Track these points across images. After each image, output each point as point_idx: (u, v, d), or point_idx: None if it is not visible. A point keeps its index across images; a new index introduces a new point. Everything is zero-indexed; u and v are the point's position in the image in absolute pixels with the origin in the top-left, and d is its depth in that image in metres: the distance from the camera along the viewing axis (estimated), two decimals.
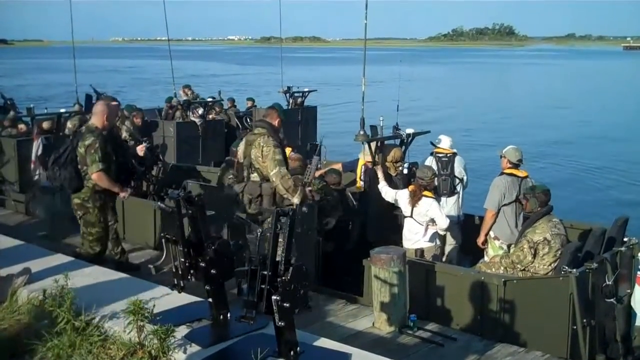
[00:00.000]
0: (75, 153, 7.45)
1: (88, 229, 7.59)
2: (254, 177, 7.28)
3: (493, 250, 8.68)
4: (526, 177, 8.69)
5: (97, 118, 7.56)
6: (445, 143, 9.91)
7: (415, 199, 8.53)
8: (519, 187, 8.55)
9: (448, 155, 9.77)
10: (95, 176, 7.37)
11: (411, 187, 8.70)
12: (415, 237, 8.61)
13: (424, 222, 8.57)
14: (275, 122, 7.49)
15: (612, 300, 6.92)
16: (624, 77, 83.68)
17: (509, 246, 8.54)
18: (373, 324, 6.81)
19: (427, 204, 8.53)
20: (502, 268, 7.82)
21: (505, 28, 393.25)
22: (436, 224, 8.59)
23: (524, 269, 7.67)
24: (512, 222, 8.57)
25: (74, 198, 7.62)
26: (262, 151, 7.16)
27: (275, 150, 7.12)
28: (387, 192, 8.94)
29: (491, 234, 8.71)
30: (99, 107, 7.72)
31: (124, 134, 12.66)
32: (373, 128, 9.30)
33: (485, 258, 8.74)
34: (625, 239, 7.70)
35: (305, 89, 19.44)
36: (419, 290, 7.30)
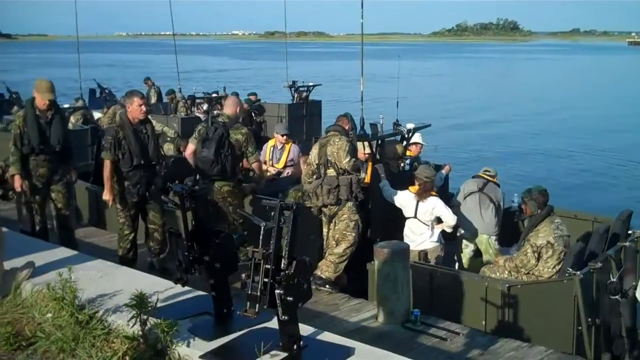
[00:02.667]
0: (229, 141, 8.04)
1: (237, 213, 8.12)
2: (330, 172, 8.00)
3: (463, 257, 8.94)
4: (494, 182, 8.94)
5: (232, 109, 8.40)
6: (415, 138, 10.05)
7: (424, 196, 8.48)
8: (483, 185, 8.88)
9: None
10: (257, 165, 8.54)
11: (416, 188, 8.61)
12: (419, 238, 8.52)
13: (428, 222, 8.53)
14: (346, 126, 8.34)
15: (617, 297, 6.91)
16: (629, 71, 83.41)
17: (493, 245, 8.73)
18: (376, 318, 6.82)
19: (432, 202, 8.48)
20: (506, 272, 7.81)
21: (510, 23, 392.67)
22: (442, 222, 8.59)
23: (527, 273, 7.66)
24: (475, 213, 8.73)
25: (223, 186, 8.11)
26: (337, 146, 7.98)
27: (347, 144, 8.01)
28: (387, 191, 8.86)
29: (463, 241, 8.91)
30: (234, 99, 8.77)
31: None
32: (373, 126, 9.27)
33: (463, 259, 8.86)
34: (629, 232, 7.69)
35: (310, 83, 19.44)
36: (422, 294, 7.29)
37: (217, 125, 8.09)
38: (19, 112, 8.39)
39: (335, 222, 8.03)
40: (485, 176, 8.95)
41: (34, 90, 8.13)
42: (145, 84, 22.27)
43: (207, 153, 7.95)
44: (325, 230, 8.19)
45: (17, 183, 8.14)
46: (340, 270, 7.97)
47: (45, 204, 8.53)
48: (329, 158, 7.99)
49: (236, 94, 20.28)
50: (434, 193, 8.59)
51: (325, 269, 7.91)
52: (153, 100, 20.40)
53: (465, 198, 8.89)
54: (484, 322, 7.02)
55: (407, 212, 8.63)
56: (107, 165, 7.75)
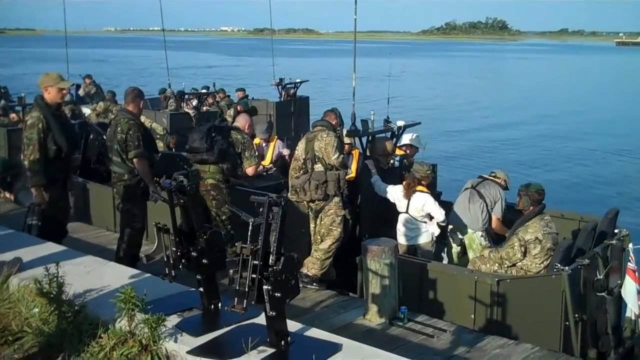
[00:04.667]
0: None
1: (222, 209, 8.10)
2: (318, 167, 7.99)
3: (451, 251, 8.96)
4: (496, 182, 8.79)
5: (242, 123, 8.92)
6: (406, 140, 10.04)
7: (409, 191, 8.57)
8: (477, 183, 8.80)
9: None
10: (250, 170, 8.49)
11: (405, 181, 8.73)
12: (411, 233, 8.65)
13: (419, 218, 8.61)
14: (333, 122, 8.37)
15: (603, 293, 6.97)
16: (616, 72, 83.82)
17: (477, 241, 8.70)
18: (364, 315, 6.83)
19: (422, 199, 8.57)
20: (496, 265, 7.85)
21: (498, 22, 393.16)
22: (432, 219, 8.65)
23: (512, 265, 7.71)
24: (463, 208, 8.68)
25: (207, 178, 8.10)
26: (325, 142, 7.97)
27: (335, 139, 8.03)
28: (380, 187, 8.95)
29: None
30: (245, 117, 9.27)
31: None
32: (364, 122, 9.29)
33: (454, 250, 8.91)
34: (616, 231, 7.75)
35: (297, 80, 19.39)
36: (412, 288, 7.32)
37: (223, 120, 8.49)
38: (33, 114, 7.37)
39: (321, 217, 8.06)
40: (487, 176, 8.94)
41: (45, 86, 7.37)
42: (84, 80, 21.57)
43: (198, 130, 8.19)
44: (312, 225, 8.20)
45: (43, 196, 7.31)
46: (326, 267, 7.99)
47: (68, 210, 7.94)
48: (317, 153, 7.99)
49: (223, 90, 20.30)
50: (424, 189, 8.65)
51: (311, 267, 7.93)
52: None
53: (460, 195, 8.94)
54: (472, 316, 7.07)
55: (399, 207, 8.73)
56: (146, 163, 7.63)
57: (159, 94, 19.28)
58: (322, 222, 8.03)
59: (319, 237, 8.09)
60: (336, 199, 8.00)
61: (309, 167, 8.04)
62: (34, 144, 7.19)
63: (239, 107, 17.69)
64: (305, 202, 8.07)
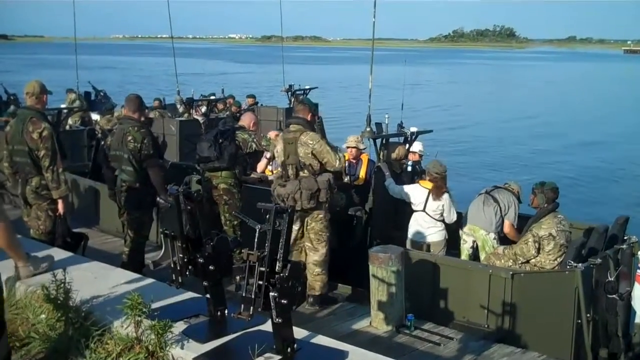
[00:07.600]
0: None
1: (234, 214, 7.88)
2: (304, 173, 7.32)
3: (462, 252, 8.91)
4: (507, 188, 8.78)
5: (247, 121, 8.55)
6: (416, 147, 10.07)
7: (439, 192, 8.61)
8: (492, 189, 8.81)
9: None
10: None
11: (427, 183, 8.71)
12: (426, 231, 8.69)
13: (436, 216, 8.65)
14: (308, 117, 7.58)
15: (614, 296, 6.97)
16: (624, 79, 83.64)
17: (490, 243, 8.65)
18: (370, 322, 6.82)
19: (442, 199, 8.64)
20: (510, 261, 7.90)
21: (506, 30, 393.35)
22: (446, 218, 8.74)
23: (526, 262, 7.75)
24: (477, 209, 8.67)
25: (219, 183, 8.03)
26: (313, 148, 7.27)
27: (324, 141, 7.35)
28: (394, 189, 8.95)
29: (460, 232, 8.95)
30: (250, 115, 8.96)
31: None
32: (378, 125, 9.34)
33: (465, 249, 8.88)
34: (625, 237, 7.75)
35: (307, 87, 19.45)
36: (426, 283, 7.34)
37: (226, 123, 8.54)
38: (44, 124, 7.30)
39: (308, 222, 7.47)
40: (501, 185, 8.95)
41: (38, 95, 7.44)
42: (67, 94, 20.04)
43: (205, 139, 8.11)
44: (295, 227, 7.37)
45: (64, 205, 7.48)
46: (326, 275, 7.62)
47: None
48: (302, 160, 7.32)
49: (232, 97, 20.35)
50: (444, 190, 8.68)
51: (317, 287, 7.48)
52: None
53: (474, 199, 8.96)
54: (486, 311, 7.07)
55: (416, 205, 8.76)
56: (161, 173, 7.62)
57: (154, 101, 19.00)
58: (311, 227, 7.48)
59: (308, 244, 7.51)
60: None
61: (290, 172, 7.39)
62: (56, 154, 7.24)
63: (233, 108, 17.73)
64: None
